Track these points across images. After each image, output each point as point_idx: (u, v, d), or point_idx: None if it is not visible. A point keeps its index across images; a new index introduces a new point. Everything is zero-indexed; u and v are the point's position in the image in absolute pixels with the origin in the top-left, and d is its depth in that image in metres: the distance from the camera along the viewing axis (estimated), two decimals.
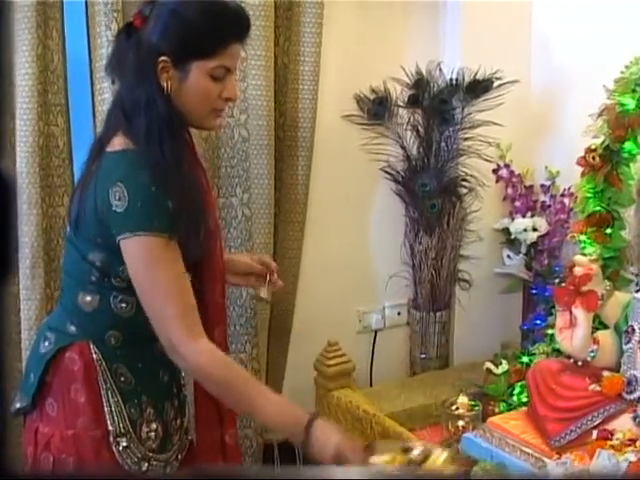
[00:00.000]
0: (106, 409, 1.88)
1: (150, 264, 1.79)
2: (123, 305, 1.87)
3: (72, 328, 1.90)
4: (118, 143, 1.83)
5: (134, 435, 1.91)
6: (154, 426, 1.97)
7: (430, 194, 3.04)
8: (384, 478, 0.68)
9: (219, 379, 1.81)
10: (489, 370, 2.82)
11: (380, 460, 1.68)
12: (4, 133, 0.48)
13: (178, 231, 1.79)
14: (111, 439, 1.88)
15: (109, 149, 1.84)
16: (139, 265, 1.79)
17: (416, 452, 1.70)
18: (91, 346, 1.88)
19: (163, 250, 1.77)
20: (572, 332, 2.35)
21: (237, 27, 1.89)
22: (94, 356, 1.88)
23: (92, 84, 2.57)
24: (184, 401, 2.11)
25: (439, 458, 1.73)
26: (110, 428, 1.88)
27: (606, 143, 2.55)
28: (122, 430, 1.89)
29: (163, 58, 1.81)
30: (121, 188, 1.74)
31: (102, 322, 1.89)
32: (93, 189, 1.81)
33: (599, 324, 2.49)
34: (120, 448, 1.88)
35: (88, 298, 1.88)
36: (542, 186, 3.23)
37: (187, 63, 1.82)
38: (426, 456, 1.71)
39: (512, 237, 3.21)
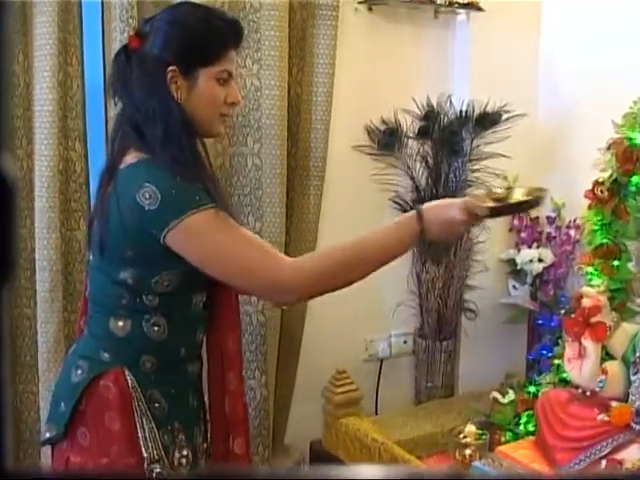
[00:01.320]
0: (140, 436, 1.86)
1: (212, 234, 1.76)
2: (155, 328, 1.86)
3: (105, 355, 1.89)
4: (130, 159, 1.83)
5: (167, 461, 1.90)
6: (185, 452, 1.95)
7: None
8: (393, 478, 0.70)
9: (332, 273, 1.82)
10: (496, 399, 2.85)
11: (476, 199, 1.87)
12: (5, 132, 0.50)
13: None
14: (145, 466, 1.86)
15: (122, 166, 1.84)
16: (201, 241, 1.76)
17: (499, 190, 1.93)
18: (126, 372, 1.86)
19: (215, 218, 1.76)
20: (581, 362, 2.39)
21: (233, 33, 1.92)
22: (129, 382, 1.86)
23: (106, 110, 2.60)
24: (207, 425, 2.11)
25: (519, 193, 1.92)
26: (144, 455, 1.86)
27: (614, 177, 2.59)
28: (156, 457, 1.87)
29: (171, 68, 1.83)
30: (149, 187, 1.73)
31: (135, 347, 1.88)
32: (116, 204, 1.80)
33: (605, 355, 2.52)
34: (153, 475, 1.86)
35: (120, 323, 1.87)
36: (548, 218, 3.27)
37: (194, 70, 1.85)
38: (509, 192, 1.91)
39: (518, 268, 3.25)
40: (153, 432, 1.88)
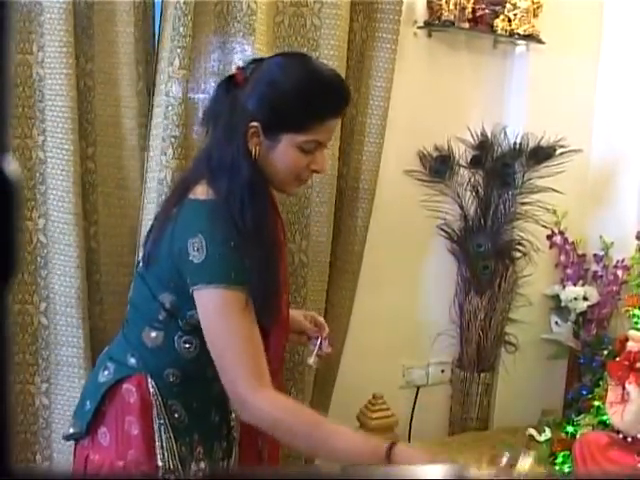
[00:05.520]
0: (157, 444, 1.86)
1: (223, 315, 1.77)
2: (187, 345, 1.86)
3: (132, 360, 1.90)
4: (201, 192, 1.83)
5: (182, 473, 1.89)
6: (202, 465, 1.95)
7: (484, 255, 3.05)
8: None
9: (288, 428, 1.74)
10: (532, 436, 2.82)
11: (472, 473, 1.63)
12: (6, 131, 0.50)
13: (251, 290, 1.78)
14: (159, 475, 1.86)
15: (192, 196, 1.83)
16: (212, 316, 1.78)
17: (504, 460, 1.75)
18: (149, 380, 1.87)
19: (236, 303, 1.75)
20: (623, 407, 2.35)
21: (335, 105, 1.87)
22: (151, 390, 1.87)
23: (150, 116, 2.54)
24: (232, 443, 2.08)
25: (524, 465, 1.79)
26: (160, 464, 1.86)
27: None
28: (171, 467, 1.87)
29: (254, 124, 1.79)
30: (200, 239, 1.74)
31: (163, 359, 1.89)
32: (170, 235, 1.81)
33: None
34: None
35: (153, 334, 1.88)
36: (595, 256, 3.23)
37: (277, 134, 1.81)
38: (512, 465, 1.76)
39: (562, 304, 3.21)
40: (170, 442, 1.88)
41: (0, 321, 0.54)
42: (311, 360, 2.18)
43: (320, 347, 2.18)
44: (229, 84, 1.87)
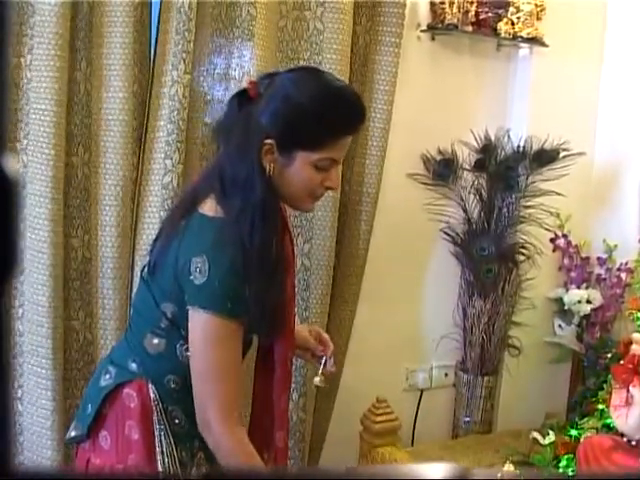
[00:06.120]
0: (158, 449, 1.87)
1: (210, 342, 1.79)
2: (188, 354, 1.86)
3: (133, 365, 1.91)
4: (209, 208, 1.82)
5: (183, 478, 1.91)
6: (204, 471, 1.96)
7: (488, 258, 3.05)
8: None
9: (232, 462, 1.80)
10: (535, 440, 2.81)
11: None
12: (5, 130, 0.50)
13: (248, 317, 1.79)
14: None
15: (200, 210, 1.83)
16: (199, 340, 1.80)
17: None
18: (150, 385, 1.88)
19: (226, 332, 1.78)
20: (628, 411, 2.33)
21: (351, 122, 1.87)
22: (152, 396, 1.87)
23: (147, 119, 2.54)
24: None
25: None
26: (160, 469, 1.86)
27: None
28: (172, 472, 1.87)
29: (268, 141, 1.78)
30: (204, 260, 1.74)
31: (164, 366, 1.89)
32: (176, 248, 1.81)
33: None
34: None
35: (155, 341, 1.88)
36: (598, 259, 3.23)
37: (292, 151, 1.80)
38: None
39: (565, 307, 3.21)
40: (170, 447, 1.88)
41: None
42: (317, 380, 2.17)
43: (325, 366, 2.17)
44: (242, 99, 1.85)
